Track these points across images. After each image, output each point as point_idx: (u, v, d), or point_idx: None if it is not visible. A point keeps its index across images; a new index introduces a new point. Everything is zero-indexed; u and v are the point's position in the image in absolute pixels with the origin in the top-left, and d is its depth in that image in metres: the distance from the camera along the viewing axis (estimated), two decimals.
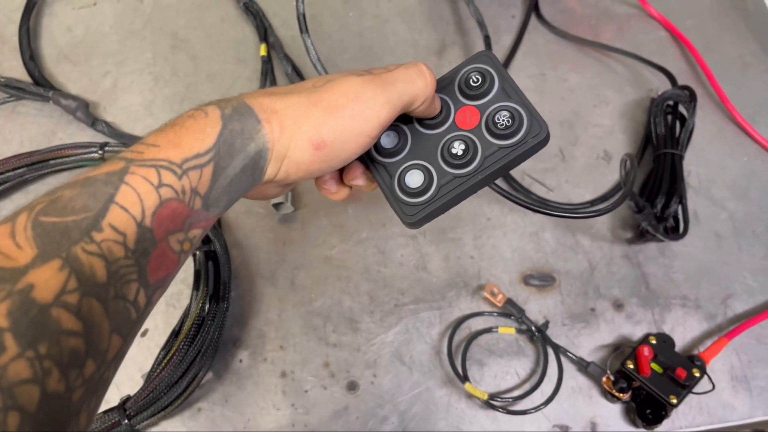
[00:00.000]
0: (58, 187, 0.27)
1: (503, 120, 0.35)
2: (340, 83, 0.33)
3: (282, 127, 0.32)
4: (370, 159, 0.36)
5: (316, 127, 0.32)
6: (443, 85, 0.37)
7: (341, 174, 0.37)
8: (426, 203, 0.35)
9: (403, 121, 0.36)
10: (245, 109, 0.31)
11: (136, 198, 0.27)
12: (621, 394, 0.47)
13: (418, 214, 0.35)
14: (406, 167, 0.35)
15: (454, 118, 0.36)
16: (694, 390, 0.47)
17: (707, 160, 0.59)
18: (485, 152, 0.35)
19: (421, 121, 0.36)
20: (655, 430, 0.47)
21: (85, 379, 0.25)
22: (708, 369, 0.48)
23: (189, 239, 0.30)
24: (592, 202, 0.56)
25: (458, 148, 0.35)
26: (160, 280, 0.29)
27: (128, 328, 0.27)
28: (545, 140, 0.36)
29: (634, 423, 0.48)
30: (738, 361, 0.50)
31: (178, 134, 0.30)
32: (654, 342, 0.48)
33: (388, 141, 0.36)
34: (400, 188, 0.35)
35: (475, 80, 0.36)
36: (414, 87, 0.34)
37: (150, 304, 0.29)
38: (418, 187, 0.35)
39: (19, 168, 0.54)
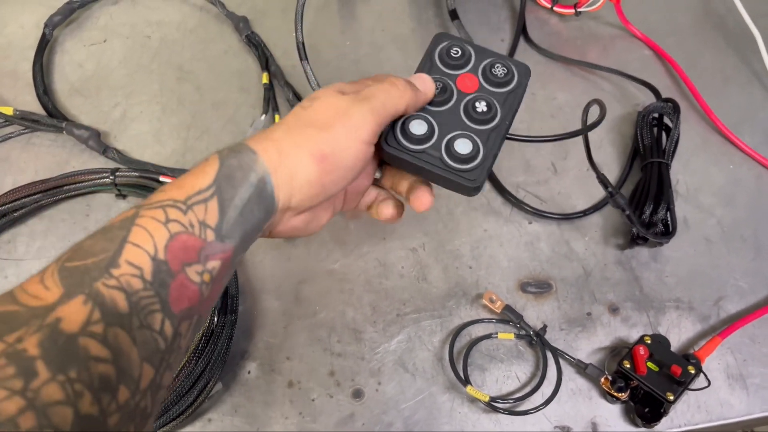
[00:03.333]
0: (80, 239, 0.30)
1: (499, 71, 0.40)
2: (325, 102, 0.36)
3: (280, 151, 0.34)
4: (411, 153, 0.38)
5: (312, 142, 0.34)
6: (427, 69, 0.41)
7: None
8: (481, 163, 0.38)
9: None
10: (241, 146, 0.34)
11: (147, 235, 0.30)
12: (619, 394, 0.48)
13: (480, 175, 0.38)
14: (448, 140, 0.38)
15: (457, 88, 0.40)
16: (691, 387, 0.48)
17: (694, 169, 0.61)
18: (499, 101, 0.40)
19: (431, 103, 0.39)
20: (655, 428, 0.48)
21: (119, 405, 0.27)
22: (704, 368, 0.49)
23: (208, 270, 0.31)
24: (585, 212, 0.58)
25: (481, 106, 0.39)
26: (185, 310, 0.31)
27: (158, 358, 0.29)
28: (529, 73, 0.41)
29: (633, 422, 0.49)
30: (733, 359, 0.52)
31: (181, 179, 0.33)
32: (649, 342, 0.50)
33: (419, 128, 0.38)
34: (454, 159, 0.38)
35: (455, 52, 0.40)
36: (392, 97, 0.36)
37: (179, 335, 0.31)
38: (470, 151, 0.38)
39: (35, 194, 0.56)
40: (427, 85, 0.39)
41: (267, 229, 0.36)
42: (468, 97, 0.39)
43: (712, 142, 0.63)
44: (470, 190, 0.38)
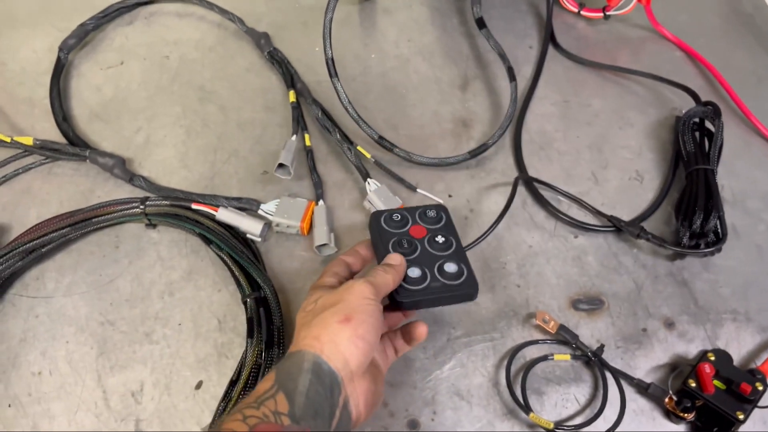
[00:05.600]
0: None
1: (430, 214, 0.50)
2: (325, 293, 0.44)
3: (316, 337, 0.40)
4: (422, 292, 0.46)
5: (334, 314, 0.41)
6: (384, 240, 0.49)
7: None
8: (468, 271, 0.48)
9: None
10: (290, 354, 0.40)
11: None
12: (686, 414, 0.47)
13: (474, 280, 0.47)
14: (438, 269, 0.47)
15: (414, 237, 0.49)
16: (760, 405, 0.46)
17: (737, 173, 0.60)
18: (443, 232, 0.50)
19: (408, 256, 0.48)
20: None
21: None
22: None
23: None
24: (631, 222, 0.57)
25: (440, 239, 0.49)
26: None
27: None
28: (446, 208, 0.51)
29: None
30: None
31: (249, 395, 0.38)
32: (713, 358, 0.48)
33: (415, 272, 0.47)
34: (451, 278, 0.47)
35: (396, 217, 0.50)
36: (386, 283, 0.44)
37: None
38: (458, 269, 0.47)
39: (63, 228, 0.54)
40: (398, 258, 0.46)
41: (352, 411, 0.41)
42: (426, 238, 0.49)
43: (755, 144, 0.62)
44: (473, 294, 0.47)
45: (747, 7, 0.71)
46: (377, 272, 0.44)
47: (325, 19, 0.59)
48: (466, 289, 0.47)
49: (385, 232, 0.49)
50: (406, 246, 0.48)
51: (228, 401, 0.46)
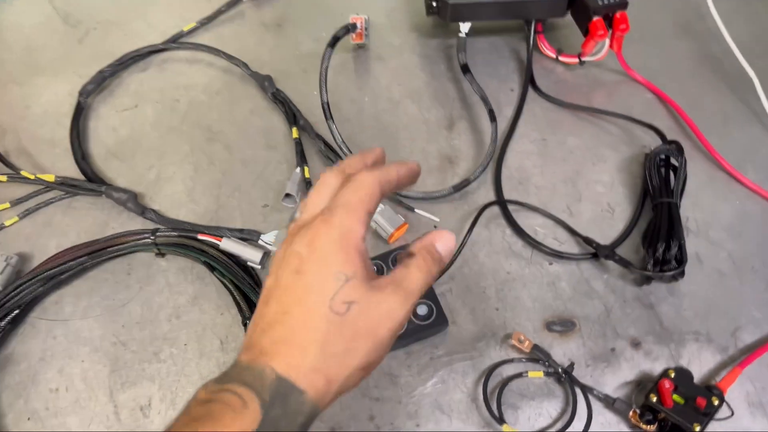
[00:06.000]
0: None
1: (422, 311, 0.56)
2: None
3: (329, 379, 0.33)
4: (403, 335, 0.54)
5: (360, 357, 0.35)
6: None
7: None
8: (438, 310, 0.56)
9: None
10: (286, 387, 0.32)
11: None
12: (648, 426, 0.51)
13: (444, 316, 0.56)
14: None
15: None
16: (715, 417, 0.50)
17: (702, 206, 0.64)
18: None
19: None
20: None
21: None
22: (726, 397, 0.52)
23: None
24: (603, 245, 0.61)
25: (420, 310, 0.56)
26: None
27: None
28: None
29: None
30: (753, 388, 0.54)
31: (217, 421, 0.31)
32: (673, 375, 0.52)
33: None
34: (422, 319, 0.56)
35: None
36: (426, 280, 0.38)
37: None
38: (427, 311, 0.56)
39: (80, 257, 0.59)
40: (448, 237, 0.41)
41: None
42: None
43: (718, 179, 0.66)
44: (443, 328, 0.56)
45: (716, 51, 0.76)
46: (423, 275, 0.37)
47: (321, 68, 0.65)
48: (437, 326, 0.56)
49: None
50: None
51: None
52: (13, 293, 0.57)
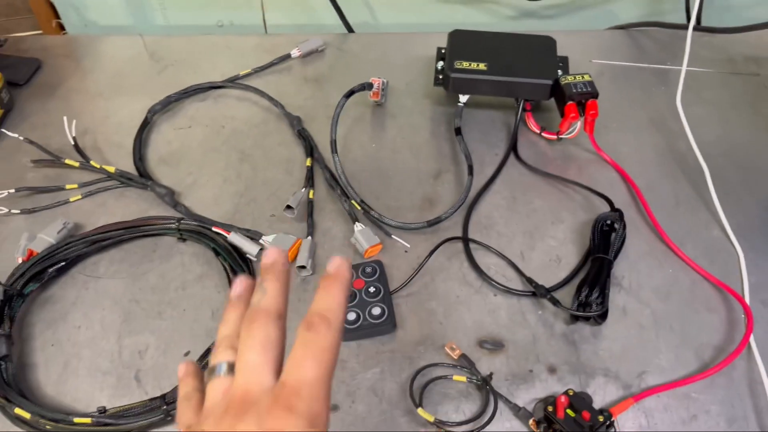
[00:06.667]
0: None
1: (368, 269, 0.71)
2: None
3: None
4: (358, 332, 0.67)
5: None
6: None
7: None
8: (389, 312, 0.68)
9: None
10: None
11: None
12: None
13: (392, 319, 0.68)
14: (368, 312, 0.68)
15: (355, 288, 0.70)
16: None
17: (639, 269, 0.74)
18: (376, 283, 0.70)
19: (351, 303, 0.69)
20: None
21: None
22: (618, 424, 0.60)
23: None
24: (538, 291, 0.72)
25: (372, 289, 0.69)
26: None
27: None
28: (382, 265, 0.72)
29: None
30: (646, 422, 0.62)
31: None
32: (572, 394, 0.61)
33: (351, 315, 0.67)
34: (375, 318, 0.68)
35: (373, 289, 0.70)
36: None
37: None
38: (381, 311, 0.68)
39: (119, 230, 0.75)
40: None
41: None
42: (363, 289, 0.69)
43: (658, 250, 0.76)
44: (391, 329, 0.68)
45: (681, 147, 0.87)
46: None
47: (335, 112, 0.81)
48: (386, 326, 0.67)
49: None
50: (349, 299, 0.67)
51: (204, 362, 0.63)
52: (63, 248, 0.73)
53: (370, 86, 0.87)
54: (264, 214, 0.80)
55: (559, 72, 0.88)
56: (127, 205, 0.81)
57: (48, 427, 0.59)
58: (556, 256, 0.76)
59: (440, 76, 0.88)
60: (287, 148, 0.88)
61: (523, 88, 0.85)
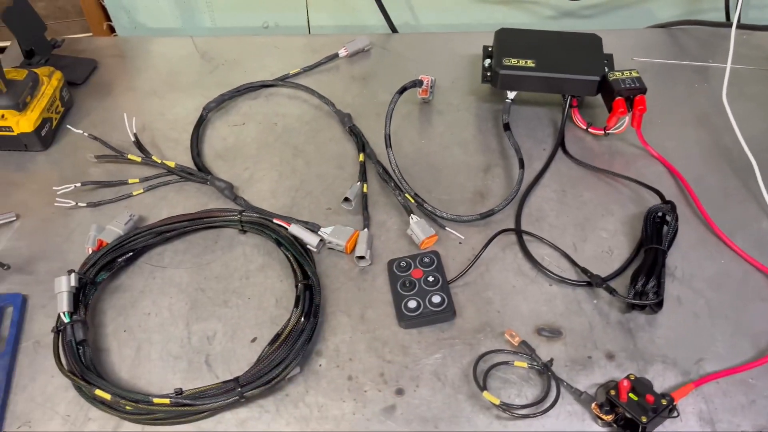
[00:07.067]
0: None
1: (426, 260, 0.73)
2: None
3: None
4: (420, 318, 0.69)
5: None
6: (397, 281, 0.73)
7: None
8: (449, 301, 0.71)
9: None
10: None
11: None
12: (605, 416, 0.61)
13: (452, 307, 0.70)
14: (428, 300, 0.71)
15: (414, 278, 0.72)
16: (663, 415, 0.60)
17: (690, 260, 0.76)
18: (434, 273, 0.72)
19: (409, 291, 0.71)
20: None
21: None
22: (681, 411, 0.62)
23: None
24: (595, 281, 0.73)
25: (431, 278, 0.72)
26: None
27: None
28: (439, 255, 0.74)
29: None
30: (706, 407, 0.63)
31: None
32: (633, 378, 0.63)
33: (413, 303, 0.70)
34: (436, 306, 0.70)
35: (403, 264, 0.73)
36: None
37: None
38: (441, 299, 0.70)
39: (183, 222, 0.78)
40: None
41: None
42: (422, 278, 0.72)
43: (709, 241, 0.77)
44: (451, 317, 0.70)
45: (727, 142, 0.89)
46: None
47: (389, 107, 0.83)
48: (446, 314, 0.69)
49: (395, 276, 0.72)
50: (408, 285, 0.71)
51: (272, 345, 0.65)
52: (131, 239, 0.75)
53: (420, 83, 0.90)
54: (320, 207, 0.82)
55: (606, 69, 0.90)
56: (187, 199, 0.84)
57: (128, 407, 0.62)
58: (608, 247, 0.77)
59: (488, 74, 0.90)
60: (338, 143, 0.91)
61: (571, 84, 0.87)
